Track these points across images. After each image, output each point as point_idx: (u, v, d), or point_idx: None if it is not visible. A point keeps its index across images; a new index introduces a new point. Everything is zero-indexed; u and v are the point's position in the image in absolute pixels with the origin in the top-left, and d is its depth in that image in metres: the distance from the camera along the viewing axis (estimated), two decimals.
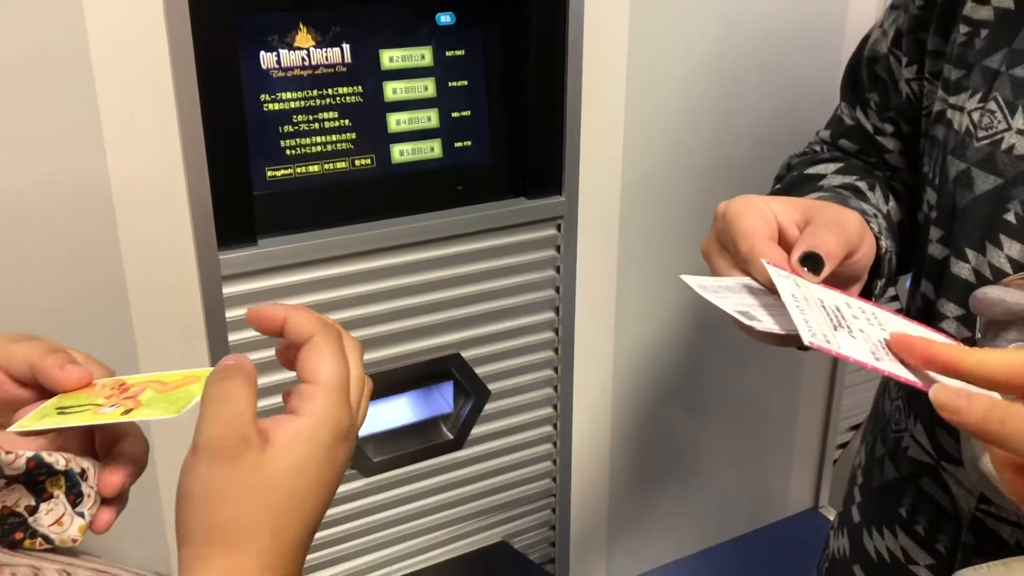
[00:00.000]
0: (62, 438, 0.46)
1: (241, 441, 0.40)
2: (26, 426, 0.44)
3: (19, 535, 0.31)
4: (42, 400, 0.47)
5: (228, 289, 0.84)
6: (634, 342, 1.14)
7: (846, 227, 0.56)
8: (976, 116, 0.62)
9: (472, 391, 1.02)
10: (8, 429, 0.44)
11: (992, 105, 0.61)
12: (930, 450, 0.69)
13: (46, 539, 0.40)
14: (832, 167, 0.76)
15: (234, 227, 0.83)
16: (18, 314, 0.75)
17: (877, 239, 0.62)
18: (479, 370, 1.01)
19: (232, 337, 0.85)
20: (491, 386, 1.03)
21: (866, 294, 0.63)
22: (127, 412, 0.44)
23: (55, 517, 0.42)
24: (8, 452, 0.39)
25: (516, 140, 0.97)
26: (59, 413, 0.46)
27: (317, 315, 0.46)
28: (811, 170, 0.75)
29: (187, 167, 0.79)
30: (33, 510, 0.40)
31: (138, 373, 0.50)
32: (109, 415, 0.44)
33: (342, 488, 0.97)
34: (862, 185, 0.73)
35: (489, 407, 1.04)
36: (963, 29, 0.64)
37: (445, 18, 0.93)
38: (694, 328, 1.18)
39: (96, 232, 0.78)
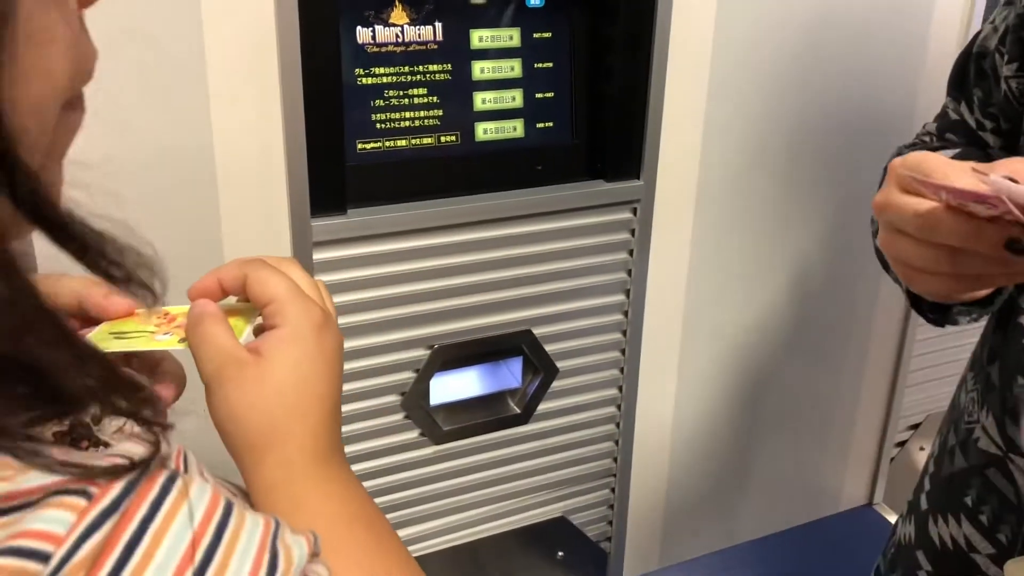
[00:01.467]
0: None
1: (237, 363, 0.46)
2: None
3: (85, 444, 0.34)
4: (89, 327, 0.49)
5: (318, 255, 0.87)
6: (701, 330, 1.15)
7: None
8: None
9: (541, 367, 1.04)
10: None
11: None
12: (999, 442, 0.70)
13: (108, 447, 0.44)
14: (950, 152, 0.73)
15: (326, 196, 0.86)
16: None
17: None
18: (548, 348, 1.04)
19: None
20: (559, 364, 1.05)
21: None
22: (183, 340, 0.48)
23: (117, 426, 0.45)
24: None
25: (597, 123, 0.99)
26: (116, 338, 0.48)
27: (238, 260, 0.51)
28: (942, 140, 0.75)
29: (287, 137, 0.82)
30: (98, 420, 0.43)
31: None
32: (166, 342, 0.48)
33: (411, 454, 1.00)
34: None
35: (556, 384, 1.06)
36: None
37: (535, 1, 0.95)
38: (761, 320, 1.19)
39: (199, 197, 0.81)
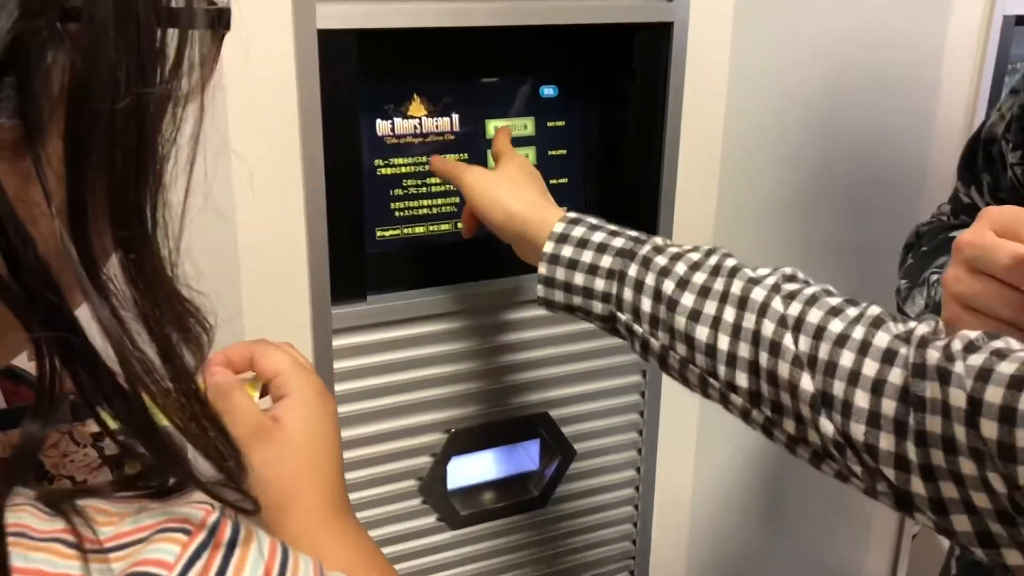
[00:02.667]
0: None
1: (261, 428, 0.55)
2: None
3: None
4: None
5: (338, 342, 0.88)
6: (719, 409, 1.15)
7: None
8: None
9: (558, 450, 1.04)
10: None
11: None
12: None
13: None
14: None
15: (346, 284, 0.87)
16: None
17: None
18: (566, 430, 1.04)
19: (339, 387, 0.89)
20: (577, 446, 1.05)
21: None
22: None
23: None
24: None
25: (611, 208, 1.01)
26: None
27: (243, 342, 0.61)
28: (951, 234, 0.79)
29: (308, 228, 0.84)
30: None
31: None
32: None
33: (428, 539, 0.99)
34: None
35: (574, 467, 1.06)
36: None
37: (548, 91, 0.98)
38: None
39: (222, 286, 0.83)
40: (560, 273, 0.72)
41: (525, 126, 0.98)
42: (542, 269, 0.73)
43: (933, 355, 0.52)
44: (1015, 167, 0.76)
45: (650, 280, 0.67)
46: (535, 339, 0.99)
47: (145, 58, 0.33)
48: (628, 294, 0.68)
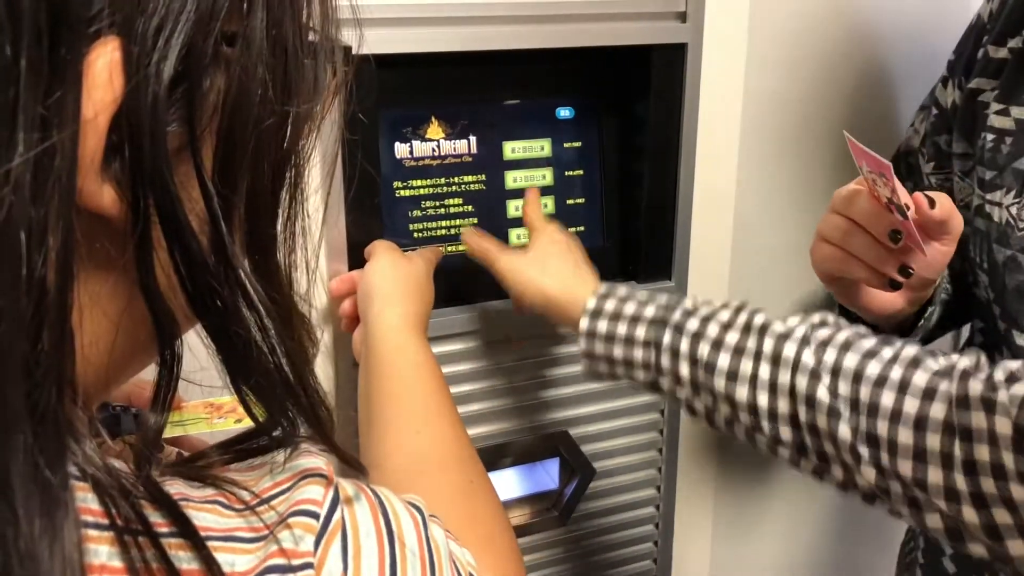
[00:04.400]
0: None
1: (392, 246, 0.84)
2: None
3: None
4: None
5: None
6: None
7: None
8: (1014, 210, 0.72)
9: (578, 468, 1.04)
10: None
11: None
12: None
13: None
14: None
15: None
16: None
17: None
18: (585, 448, 1.04)
19: None
20: (596, 464, 1.05)
21: (916, 320, 0.78)
22: (239, 421, 0.59)
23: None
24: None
25: (628, 227, 1.02)
26: (175, 425, 0.59)
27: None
28: None
29: (328, 250, 0.85)
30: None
31: None
32: (223, 424, 0.59)
33: None
34: None
35: (593, 485, 1.06)
36: (989, 136, 0.76)
37: (564, 112, 0.99)
38: None
39: None
40: (599, 348, 0.75)
41: (542, 147, 0.99)
42: (582, 344, 0.76)
43: (976, 386, 0.54)
44: (930, 176, 0.87)
45: (685, 346, 0.69)
46: (554, 358, 0.99)
47: (291, 80, 0.37)
48: (666, 361, 0.70)
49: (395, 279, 0.78)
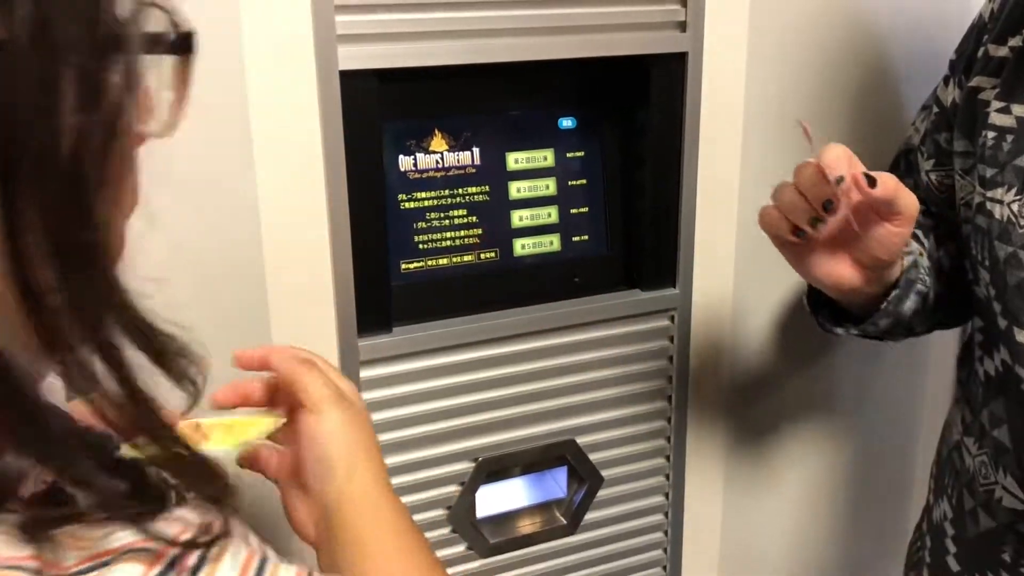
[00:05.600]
0: None
1: (338, 393, 0.62)
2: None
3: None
4: None
5: (365, 373, 0.90)
6: (745, 438, 1.15)
7: None
8: (1015, 207, 0.73)
9: (586, 477, 1.04)
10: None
11: None
12: None
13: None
14: None
15: (373, 316, 0.89)
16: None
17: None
18: (593, 456, 1.04)
19: None
20: (604, 472, 1.05)
21: (877, 302, 0.79)
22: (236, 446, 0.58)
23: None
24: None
25: (632, 235, 1.02)
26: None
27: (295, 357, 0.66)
28: None
29: (334, 263, 0.86)
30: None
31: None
32: (212, 448, 0.56)
33: (458, 568, 1.00)
34: (918, 230, 0.89)
35: (602, 493, 1.06)
36: (990, 134, 0.77)
37: (567, 122, 1.00)
38: (804, 421, 1.19)
39: (251, 319, 0.85)
40: None
41: (545, 157, 1.00)
42: None
43: None
44: (929, 173, 0.89)
45: None
46: (559, 367, 1.00)
47: (82, 85, 0.31)
48: None
49: (353, 442, 0.61)
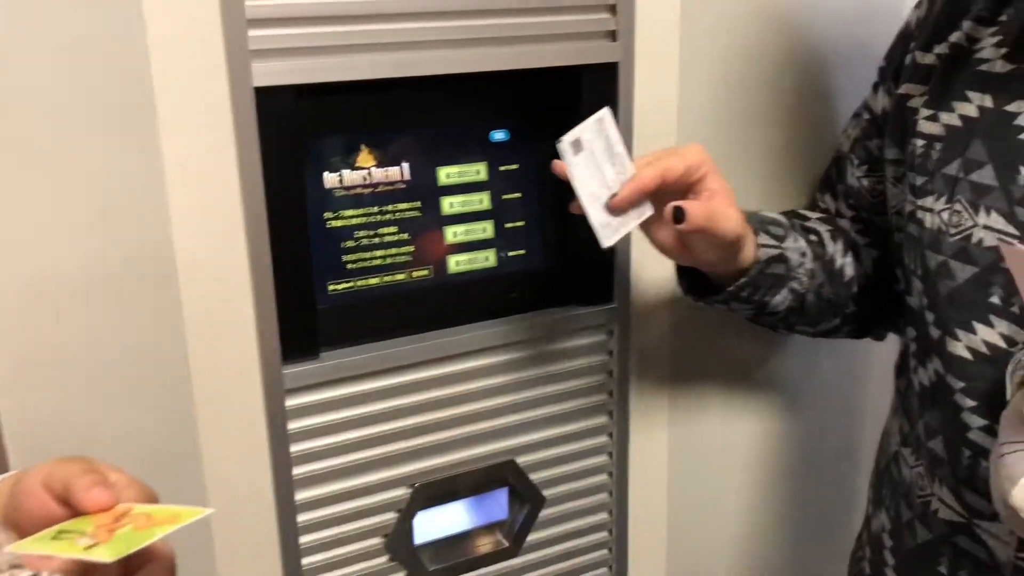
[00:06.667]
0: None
1: None
2: (22, 547, 0.45)
3: None
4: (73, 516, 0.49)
5: (291, 401, 0.86)
6: (688, 451, 1.13)
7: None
8: (945, 216, 0.72)
9: (527, 497, 1.02)
10: (6, 548, 0.46)
11: (958, 206, 0.71)
12: (960, 510, 0.75)
13: None
14: (815, 214, 0.99)
15: (297, 342, 0.85)
16: (92, 427, 0.78)
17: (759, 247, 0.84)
18: (533, 476, 1.02)
19: (295, 448, 0.87)
20: (545, 492, 1.03)
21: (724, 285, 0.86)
22: (89, 548, 0.45)
23: None
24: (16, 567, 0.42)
25: (568, 250, 1.00)
26: (52, 538, 0.46)
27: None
28: (800, 211, 1.00)
29: (254, 286, 0.82)
30: None
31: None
32: (73, 548, 0.45)
33: None
34: (824, 229, 0.94)
35: (544, 513, 1.04)
36: (919, 142, 0.77)
37: (499, 135, 0.97)
38: (748, 430, 1.18)
39: (166, 350, 0.81)
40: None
41: (477, 171, 0.97)
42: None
43: None
44: (861, 179, 0.91)
45: None
46: (496, 386, 0.97)
47: None
48: None
49: None
